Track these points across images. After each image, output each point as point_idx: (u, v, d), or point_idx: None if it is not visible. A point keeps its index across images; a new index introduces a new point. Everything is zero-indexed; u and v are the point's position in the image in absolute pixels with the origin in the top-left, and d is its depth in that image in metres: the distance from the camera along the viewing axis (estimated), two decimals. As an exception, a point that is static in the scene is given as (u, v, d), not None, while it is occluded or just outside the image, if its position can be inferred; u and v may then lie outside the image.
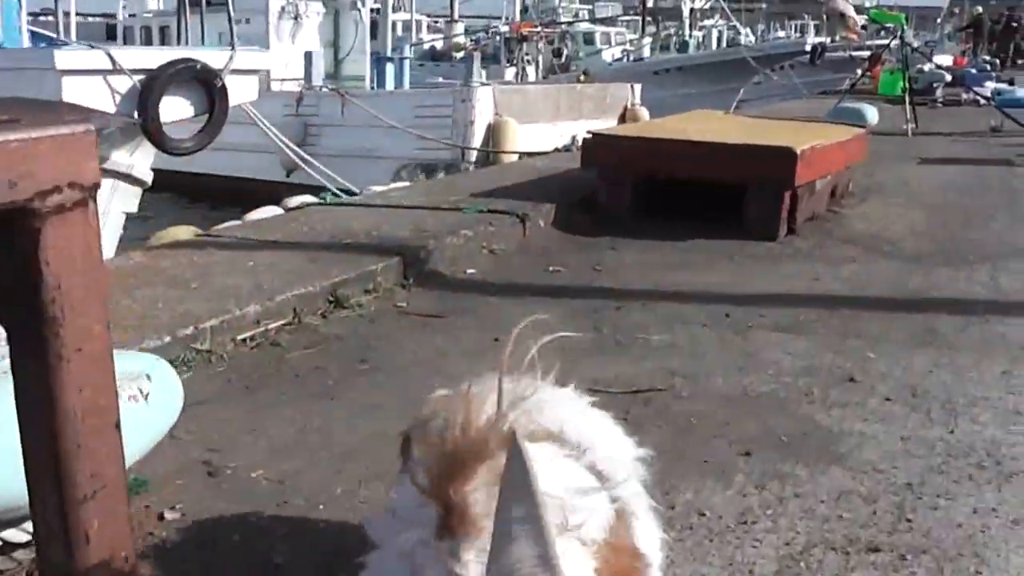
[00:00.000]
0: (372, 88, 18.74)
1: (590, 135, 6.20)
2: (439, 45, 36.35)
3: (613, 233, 5.86)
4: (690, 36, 32.12)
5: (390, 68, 17.75)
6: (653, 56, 32.68)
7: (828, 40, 27.85)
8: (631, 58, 34.09)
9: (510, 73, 33.71)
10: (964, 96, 15.77)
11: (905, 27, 12.18)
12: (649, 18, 40.77)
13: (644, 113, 18.38)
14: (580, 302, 4.52)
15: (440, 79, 33.71)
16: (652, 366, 3.64)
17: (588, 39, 39.98)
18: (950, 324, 4.23)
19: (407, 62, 17.86)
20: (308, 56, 16.91)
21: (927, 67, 18.28)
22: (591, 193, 6.29)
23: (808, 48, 26.23)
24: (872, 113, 10.77)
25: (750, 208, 5.77)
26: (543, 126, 15.74)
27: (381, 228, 5.33)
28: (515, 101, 15.58)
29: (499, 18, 35.07)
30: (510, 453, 0.95)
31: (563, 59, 34.64)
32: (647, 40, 38.47)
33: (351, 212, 5.98)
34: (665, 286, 4.81)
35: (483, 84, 16.68)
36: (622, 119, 18.46)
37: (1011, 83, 17.09)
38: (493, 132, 14.96)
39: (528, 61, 34.43)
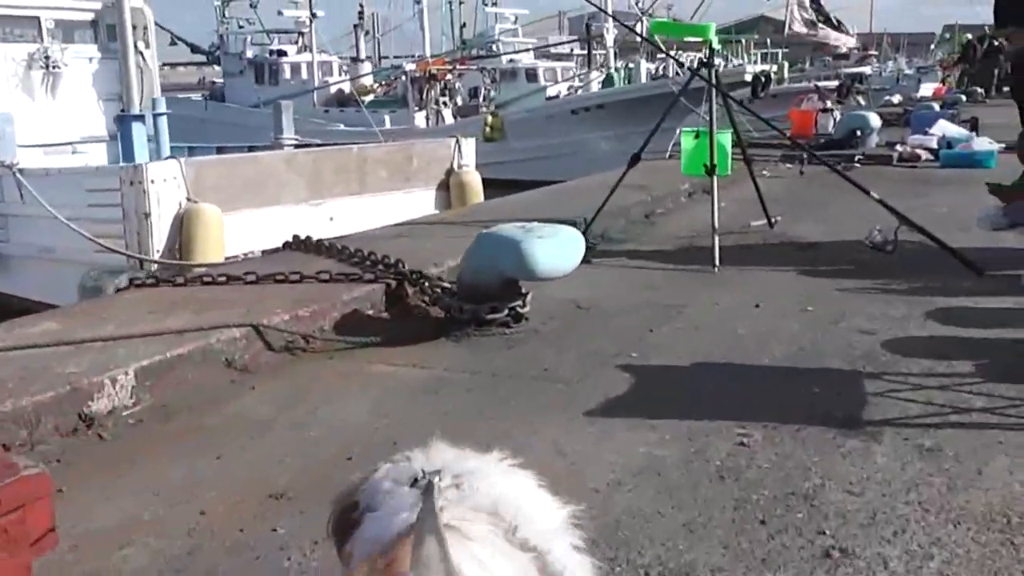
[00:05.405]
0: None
1: None
2: (347, 88, 31.80)
3: None
4: (616, 68, 27.19)
5: (137, 129, 12.62)
6: (569, 95, 27.87)
7: (773, 69, 22.77)
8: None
9: (420, 118, 29.04)
10: (899, 149, 10.78)
11: (715, 45, 6.62)
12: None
13: (474, 180, 13.40)
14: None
15: (341, 126, 29.09)
16: None
17: (531, 75, 35.29)
18: None
19: (164, 120, 12.89)
20: (-8, 120, 12.03)
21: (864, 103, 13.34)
22: None
23: (748, 78, 21.09)
24: (563, 254, 4.60)
25: None
26: (282, 210, 10.56)
27: None
28: (227, 176, 10.50)
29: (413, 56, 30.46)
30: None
31: (481, 99, 29.97)
32: (597, 74, 33.71)
33: None
34: None
35: (169, 157, 11.52)
36: (444, 188, 13.52)
37: (974, 127, 11.93)
38: (184, 228, 9.85)
39: (444, 104, 29.80)
